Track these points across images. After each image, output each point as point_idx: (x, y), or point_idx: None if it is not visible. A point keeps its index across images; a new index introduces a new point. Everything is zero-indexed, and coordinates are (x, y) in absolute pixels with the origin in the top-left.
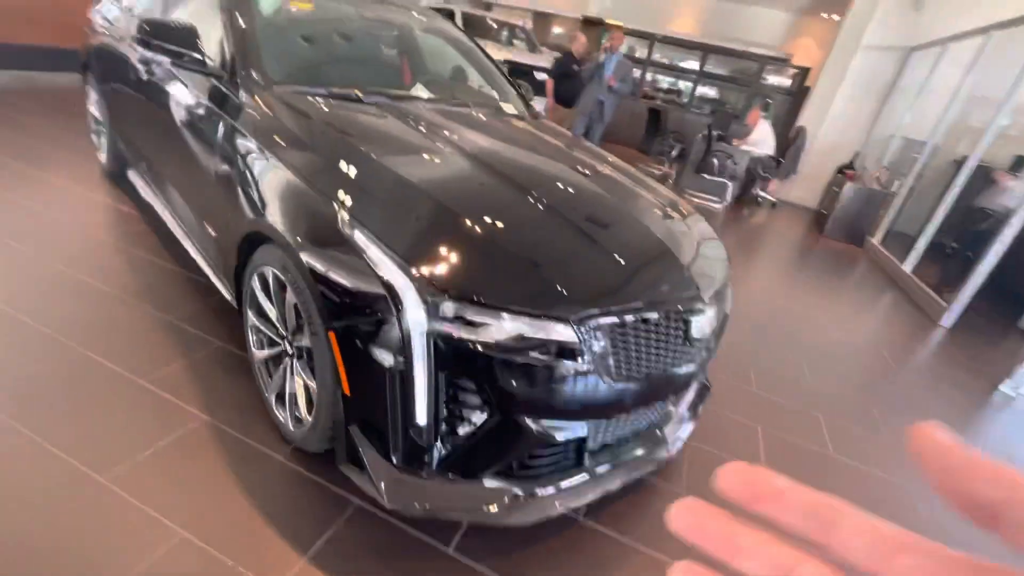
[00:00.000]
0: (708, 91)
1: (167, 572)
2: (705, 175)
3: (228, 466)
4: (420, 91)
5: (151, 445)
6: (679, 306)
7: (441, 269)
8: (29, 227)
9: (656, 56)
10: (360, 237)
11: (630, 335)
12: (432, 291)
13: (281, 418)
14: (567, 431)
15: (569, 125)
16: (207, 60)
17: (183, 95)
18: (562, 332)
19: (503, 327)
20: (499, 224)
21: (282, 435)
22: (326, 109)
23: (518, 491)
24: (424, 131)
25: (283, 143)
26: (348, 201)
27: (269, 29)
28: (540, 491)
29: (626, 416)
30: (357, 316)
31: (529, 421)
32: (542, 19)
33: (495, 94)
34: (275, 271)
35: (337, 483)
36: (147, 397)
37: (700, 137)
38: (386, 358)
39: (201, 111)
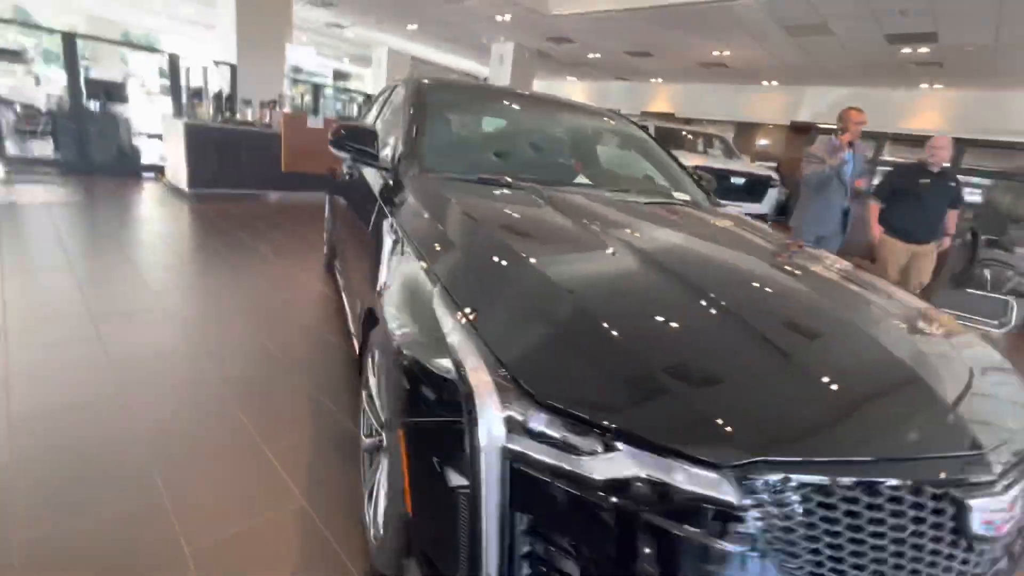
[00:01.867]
0: (978, 194)
1: None
2: (971, 290)
3: (299, 568)
4: (582, 180)
5: (242, 523)
6: (942, 473)
7: (539, 370)
8: (257, 300)
9: (888, 156)
10: (442, 311)
11: (841, 512)
12: (518, 394)
13: (368, 520)
14: None
15: None
16: (379, 155)
17: (362, 187)
18: (711, 485)
19: (616, 461)
20: (643, 327)
21: (366, 545)
22: (465, 192)
23: None
24: (574, 218)
25: (412, 221)
26: (444, 274)
27: (439, 125)
28: None
29: None
30: (430, 414)
31: None
32: (748, 129)
33: (668, 185)
34: (378, 351)
35: None
36: (263, 466)
37: (958, 243)
38: (453, 476)
39: (369, 199)
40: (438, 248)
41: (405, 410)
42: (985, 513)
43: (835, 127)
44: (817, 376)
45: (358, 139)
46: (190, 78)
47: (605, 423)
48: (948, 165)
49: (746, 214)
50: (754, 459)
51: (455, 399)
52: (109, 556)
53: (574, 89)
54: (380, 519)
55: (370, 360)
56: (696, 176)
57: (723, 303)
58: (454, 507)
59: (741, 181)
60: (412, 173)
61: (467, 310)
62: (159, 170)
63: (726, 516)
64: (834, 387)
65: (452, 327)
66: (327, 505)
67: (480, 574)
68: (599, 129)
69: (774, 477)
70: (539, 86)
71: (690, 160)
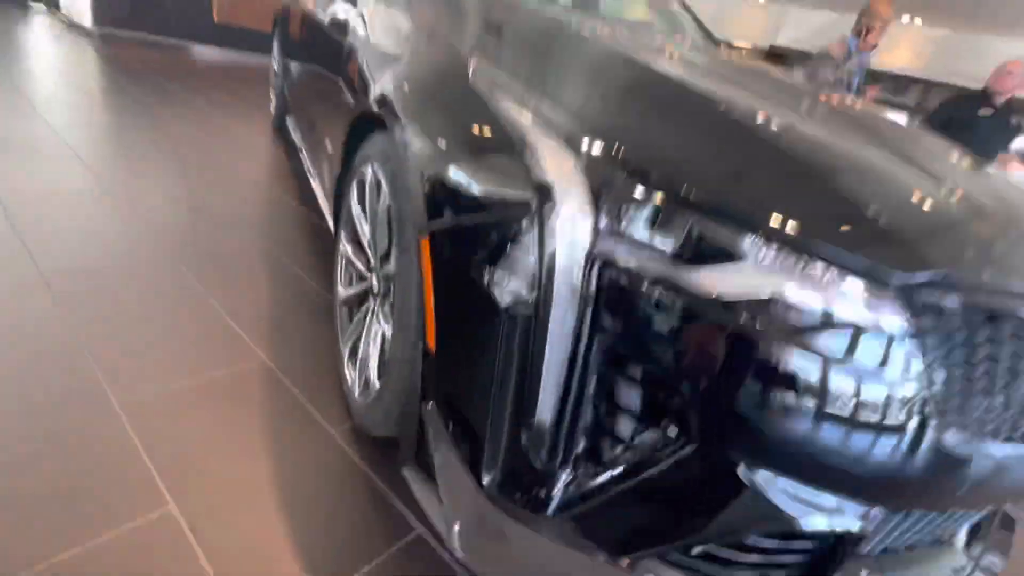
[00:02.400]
0: None
1: (137, 544)
2: None
3: (263, 430)
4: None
5: (214, 369)
6: None
7: (641, 151)
8: (204, 158)
9: None
10: (491, 89)
11: (1008, 344)
12: (617, 181)
13: (349, 378)
14: (828, 516)
15: None
16: None
17: (331, 17)
18: (873, 307)
19: (746, 273)
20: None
21: (348, 405)
22: None
23: None
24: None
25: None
26: (483, 51)
27: None
28: None
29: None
30: (472, 216)
31: (760, 478)
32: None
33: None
34: (375, 167)
35: (400, 492)
36: (216, 325)
37: None
38: (505, 294)
39: (340, 12)
40: (463, 25)
41: (433, 213)
42: None
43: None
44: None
45: None
46: None
47: (739, 219)
48: (1019, 95)
49: None
50: (935, 275)
51: (519, 194)
52: (37, 427)
53: None
54: (372, 371)
55: (355, 186)
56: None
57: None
58: (503, 333)
59: None
60: None
61: (532, 89)
62: (52, 1)
63: (889, 349)
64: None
65: (514, 108)
66: (292, 362)
67: (531, 419)
68: None
69: (946, 298)
70: None
71: None
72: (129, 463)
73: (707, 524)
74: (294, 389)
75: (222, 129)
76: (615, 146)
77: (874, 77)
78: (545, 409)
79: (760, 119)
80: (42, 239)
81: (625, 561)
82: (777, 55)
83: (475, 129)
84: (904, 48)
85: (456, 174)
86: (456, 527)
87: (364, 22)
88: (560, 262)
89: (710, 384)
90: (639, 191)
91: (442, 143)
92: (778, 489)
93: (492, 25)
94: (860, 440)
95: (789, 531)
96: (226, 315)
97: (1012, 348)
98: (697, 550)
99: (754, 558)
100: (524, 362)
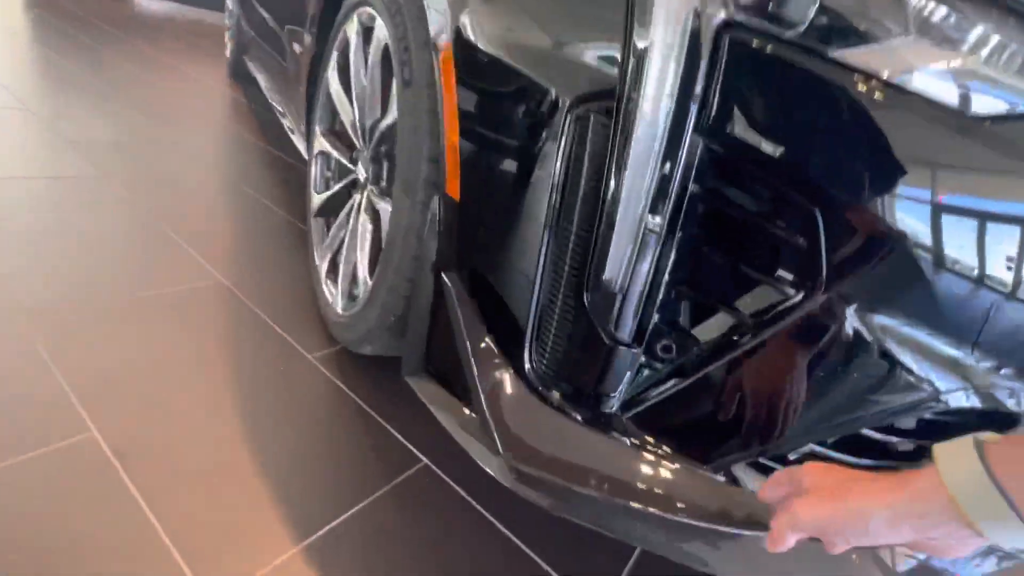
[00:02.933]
0: None
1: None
2: None
3: (230, 351)
4: None
5: (149, 289)
6: None
7: None
8: (155, 97)
9: None
10: None
11: None
12: None
13: (329, 295)
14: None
15: None
16: None
17: None
18: None
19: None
20: None
21: (327, 329)
22: None
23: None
24: None
25: None
26: None
27: None
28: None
29: None
30: None
31: (904, 345)
32: None
33: None
34: (362, 14)
35: (399, 420)
36: (172, 246)
37: None
38: (575, 84)
39: None
40: None
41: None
42: None
43: None
44: None
45: None
46: None
47: None
48: None
49: None
50: None
51: None
52: None
53: None
54: (363, 270)
55: (335, 61)
56: None
57: None
58: (569, 151)
59: None
60: None
61: None
62: None
63: None
64: None
65: None
66: (260, 287)
67: (600, 276)
68: None
69: None
70: None
71: None
72: (48, 390)
73: (837, 406)
74: (263, 314)
75: (172, 71)
76: None
77: None
78: (618, 260)
79: None
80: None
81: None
82: None
83: None
84: None
85: None
86: (492, 428)
87: None
88: (656, 24)
89: (865, 202)
90: None
91: None
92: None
93: None
94: None
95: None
96: (182, 241)
97: None
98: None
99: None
100: (591, 193)
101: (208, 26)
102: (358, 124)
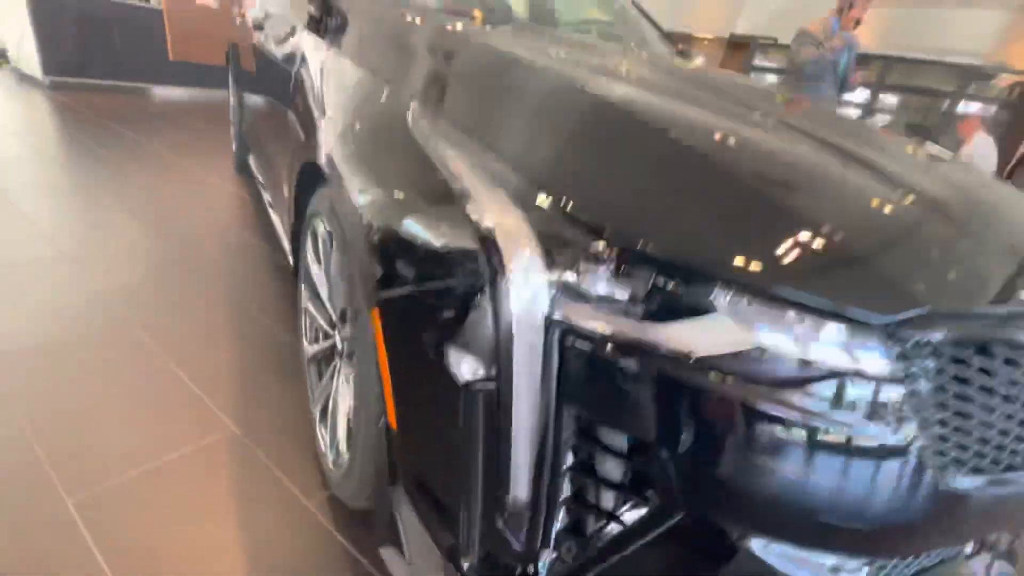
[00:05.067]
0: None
1: None
2: None
3: (236, 508)
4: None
5: (164, 454)
6: None
7: (594, 202)
8: (164, 207)
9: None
10: (429, 137)
11: (996, 376)
12: (571, 236)
13: (322, 443)
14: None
15: None
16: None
17: (281, 40)
18: (857, 352)
19: (720, 327)
20: (731, 152)
21: (322, 471)
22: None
23: None
24: (561, 46)
25: (361, 43)
26: (428, 97)
27: None
28: None
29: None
30: (421, 283)
31: (754, 543)
32: (683, 42)
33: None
34: (324, 222)
35: (383, 569)
36: (181, 392)
37: None
38: (465, 367)
39: (291, 47)
40: (406, 67)
41: (383, 281)
42: None
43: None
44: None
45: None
46: None
47: (706, 270)
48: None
49: None
50: (919, 315)
51: (462, 251)
52: None
53: None
54: (342, 440)
55: (310, 238)
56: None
57: (807, 133)
58: (465, 410)
59: None
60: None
61: (472, 135)
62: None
63: (879, 400)
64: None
65: (454, 157)
66: (261, 428)
67: (505, 498)
68: None
69: (934, 336)
70: None
71: None
72: (80, 559)
73: None
74: (265, 459)
75: (182, 174)
76: (565, 196)
77: (863, 60)
78: (520, 487)
79: (722, 149)
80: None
81: None
82: (738, 44)
83: (416, 181)
84: (864, 29)
85: (404, 230)
86: None
87: (310, 64)
88: (517, 329)
89: (691, 449)
90: (595, 246)
91: (384, 197)
92: (774, 552)
93: (434, 64)
94: (855, 494)
95: None
96: (189, 382)
97: (1007, 375)
98: None
99: None
100: (491, 439)
101: (219, 107)
102: (329, 305)
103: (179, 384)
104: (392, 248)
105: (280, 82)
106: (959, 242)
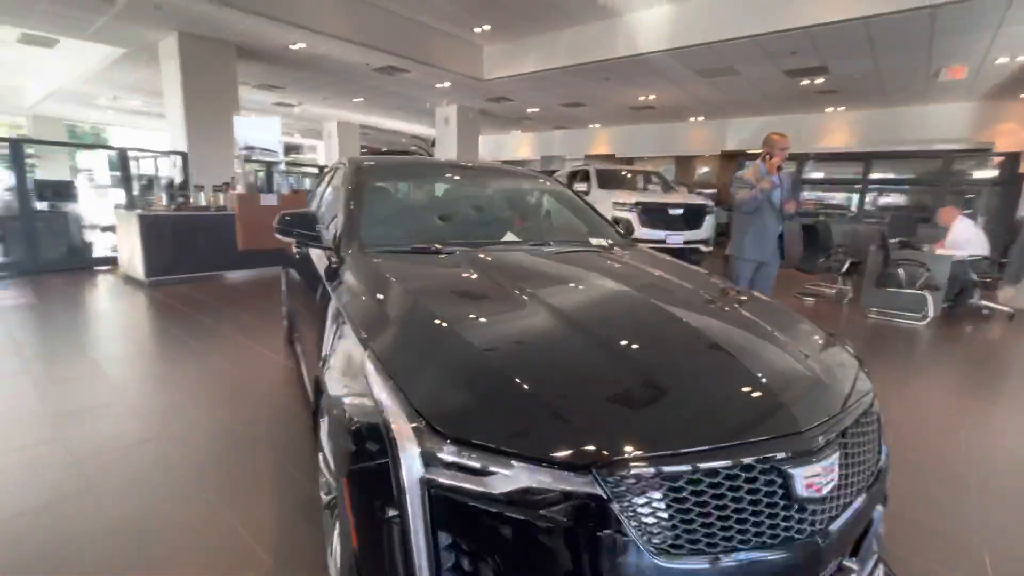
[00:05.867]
0: (890, 199)
1: None
2: (891, 288)
3: None
4: (508, 237)
5: None
6: (772, 452)
7: (447, 409)
8: (226, 384)
9: (813, 174)
10: (371, 373)
11: (688, 493)
12: (431, 434)
13: (332, 568)
14: None
15: (730, 274)
16: (321, 236)
17: (309, 264)
18: (580, 484)
19: (509, 476)
20: (528, 371)
21: None
22: (397, 263)
23: None
24: (482, 272)
25: (348, 297)
26: (374, 340)
27: (375, 202)
28: None
29: None
30: (365, 461)
31: None
32: (685, 161)
33: (586, 231)
34: (326, 415)
35: None
36: (234, 537)
37: (874, 248)
38: (387, 509)
39: (315, 276)
40: (369, 320)
41: (347, 461)
42: (808, 478)
43: (760, 152)
44: (664, 385)
45: (300, 224)
46: (140, 169)
47: (496, 446)
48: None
49: (687, 241)
50: (614, 459)
51: (383, 446)
52: None
53: (520, 140)
54: (338, 563)
55: (323, 424)
56: (614, 223)
57: (599, 338)
58: (390, 535)
59: (680, 211)
60: (351, 251)
61: (391, 372)
62: (112, 261)
63: (599, 511)
64: (678, 392)
65: (380, 387)
66: (295, 563)
67: None
68: (524, 190)
69: (627, 472)
70: (485, 141)
71: (630, 197)
72: None
73: None
74: None
75: (246, 353)
76: (432, 412)
77: (820, 159)
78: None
79: (510, 357)
80: (109, 491)
81: None
82: (730, 155)
83: (364, 404)
84: (839, 132)
85: (354, 432)
86: None
87: (326, 286)
88: (407, 487)
89: (509, 553)
90: (444, 442)
91: (348, 412)
92: None
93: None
94: (602, 570)
95: None
96: (241, 529)
97: (691, 489)
98: None
99: None
100: (405, 550)
101: (277, 283)
102: (328, 470)
103: (233, 531)
104: (350, 438)
105: (311, 280)
106: (677, 401)
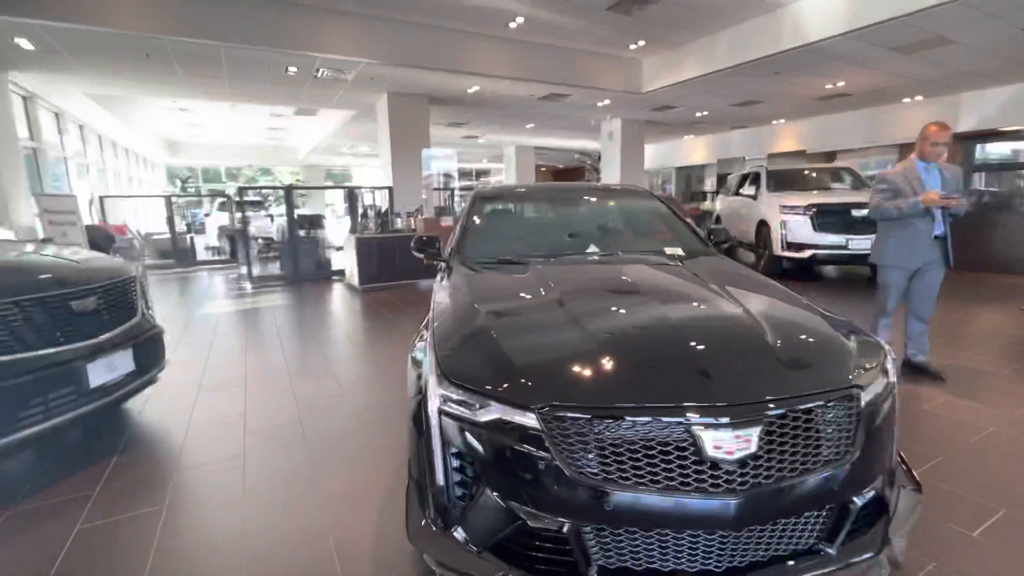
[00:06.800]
0: None
1: None
2: None
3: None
4: (591, 249)
5: None
6: (688, 416)
7: (456, 366)
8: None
9: None
10: (428, 345)
11: (607, 438)
12: (445, 380)
13: None
14: (546, 523)
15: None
16: (441, 252)
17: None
18: (527, 419)
19: (487, 410)
20: (512, 340)
21: None
22: (481, 271)
23: (509, 570)
24: (531, 276)
25: (443, 293)
26: (436, 322)
27: (482, 224)
28: None
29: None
30: (415, 401)
31: (503, 499)
32: (909, 150)
33: (662, 242)
34: None
35: None
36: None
37: None
38: (421, 429)
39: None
40: (439, 310)
41: (410, 404)
42: (718, 443)
43: (938, 123)
44: (617, 353)
45: (427, 244)
46: (363, 202)
47: (480, 390)
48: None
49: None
50: (552, 404)
51: (423, 391)
52: None
53: (695, 144)
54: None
55: None
56: (704, 232)
57: (580, 322)
58: (424, 446)
59: (865, 212)
60: (455, 262)
61: (436, 343)
62: (341, 273)
63: (537, 439)
64: (624, 360)
65: (428, 353)
66: None
67: (436, 479)
68: (615, 207)
69: (562, 415)
70: (657, 148)
71: (803, 199)
72: None
73: (498, 527)
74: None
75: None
76: (447, 366)
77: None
78: (439, 477)
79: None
80: (321, 443)
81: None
82: (968, 137)
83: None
84: None
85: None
86: (409, 528)
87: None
88: (431, 414)
89: (483, 461)
90: (452, 385)
91: (417, 369)
92: (521, 509)
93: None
94: (538, 481)
95: (531, 530)
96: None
97: (609, 433)
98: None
99: (537, 553)
100: (430, 459)
101: None
102: None
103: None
104: (415, 388)
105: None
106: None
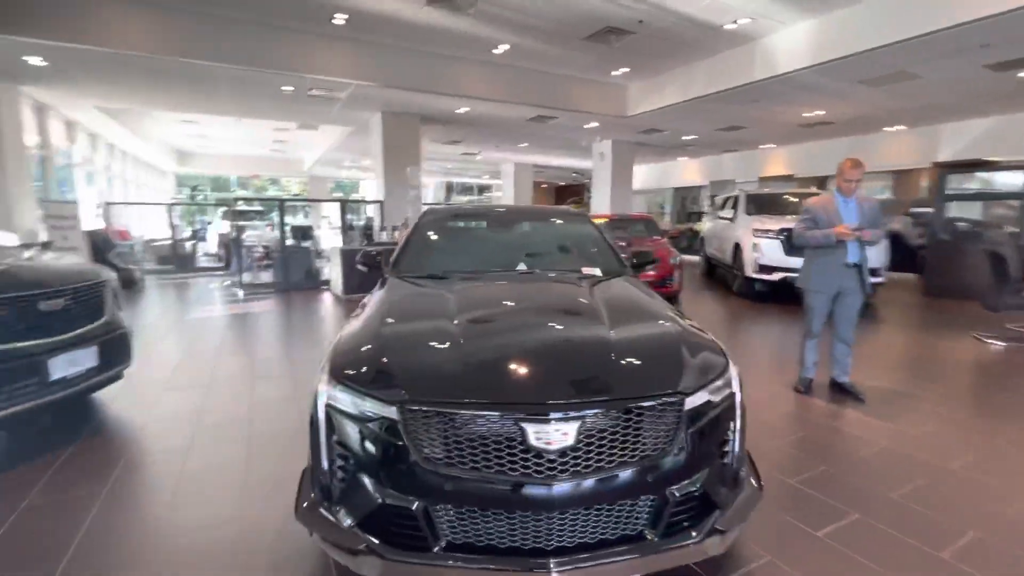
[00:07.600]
0: None
1: None
2: None
3: None
4: (520, 267)
5: None
6: (515, 412)
7: (341, 365)
8: None
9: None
10: (330, 348)
11: (450, 429)
12: (332, 379)
13: None
14: (401, 502)
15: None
16: (380, 265)
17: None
18: (389, 413)
19: (356, 403)
20: (396, 339)
21: None
22: (408, 283)
23: (369, 542)
24: (446, 289)
25: (370, 300)
26: (344, 328)
27: (421, 240)
28: (388, 555)
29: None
30: (313, 400)
31: (369, 481)
32: (906, 177)
33: (583, 262)
34: None
35: None
36: None
37: None
38: (312, 422)
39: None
40: (355, 315)
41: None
42: (541, 435)
43: (853, 159)
44: (477, 357)
45: (368, 258)
46: (362, 214)
47: (351, 386)
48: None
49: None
50: (409, 399)
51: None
52: None
53: (688, 165)
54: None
55: None
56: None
57: (460, 329)
58: (313, 435)
59: None
60: (391, 275)
61: (335, 346)
62: (327, 283)
63: (395, 429)
64: (478, 360)
65: (328, 354)
66: None
67: (322, 463)
68: (546, 227)
69: (416, 408)
70: (650, 169)
71: (775, 223)
72: None
73: (361, 504)
74: None
75: None
76: (335, 367)
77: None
78: (323, 461)
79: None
80: (264, 443)
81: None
82: (949, 166)
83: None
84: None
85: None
86: (297, 506)
87: None
88: (319, 406)
89: (353, 446)
90: (336, 384)
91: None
92: (379, 489)
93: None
94: (392, 465)
95: (387, 508)
96: None
97: (451, 424)
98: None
99: (393, 529)
100: (316, 443)
101: None
102: None
103: None
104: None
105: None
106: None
